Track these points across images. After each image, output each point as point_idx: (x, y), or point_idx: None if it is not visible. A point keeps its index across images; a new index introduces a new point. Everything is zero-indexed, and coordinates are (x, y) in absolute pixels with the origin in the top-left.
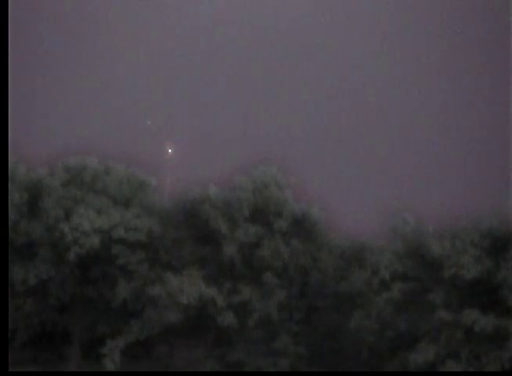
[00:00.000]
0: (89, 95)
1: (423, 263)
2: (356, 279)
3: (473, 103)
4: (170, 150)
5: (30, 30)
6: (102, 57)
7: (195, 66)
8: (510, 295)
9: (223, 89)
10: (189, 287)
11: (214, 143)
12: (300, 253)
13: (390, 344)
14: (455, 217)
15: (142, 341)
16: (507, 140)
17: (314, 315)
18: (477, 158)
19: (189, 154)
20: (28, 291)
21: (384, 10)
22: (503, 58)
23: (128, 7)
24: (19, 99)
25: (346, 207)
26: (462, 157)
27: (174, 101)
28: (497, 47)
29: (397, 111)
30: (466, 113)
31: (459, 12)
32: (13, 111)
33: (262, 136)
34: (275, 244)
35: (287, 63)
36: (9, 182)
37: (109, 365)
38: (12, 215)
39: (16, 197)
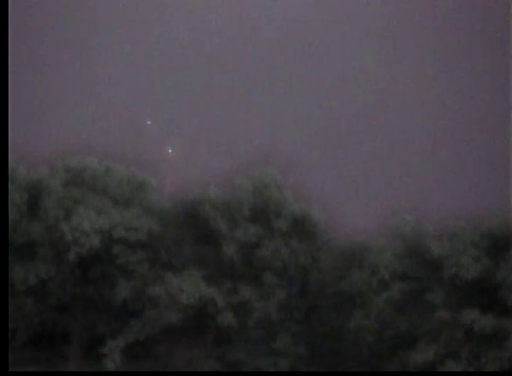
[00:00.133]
0: (89, 95)
1: (423, 263)
2: (356, 279)
3: (473, 103)
4: (170, 150)
5: (30, 30)
6: (102, 57)
7: (195, 66)
8: (510, 295)
9: (223, 89)
10: (189, 287)
11: (214, 143)
12: (300, 253)
13: (390, 344)
14: (455, 217)
15: (142, 341)
16: (507, 140)
17: (314, 315)
18: (477, 158)
19: (189, 154)
20: (28, 291)
21: (384, 10)
22: (503, 58)
23: (127, 7)
24: (19, 99)
25: (346, 208)
26: (462, 157)
27: (174, 101)
28: (497, 47)
29: (397, 111)
30: (467, 113)
31: (459, 12)
32: (13, 111)
33: (262, 136)
34: (275, 244)
35: (287, 63)
36: (9, 182)
37: (110, 365)
38: (12, 215)
39: (16, 197)
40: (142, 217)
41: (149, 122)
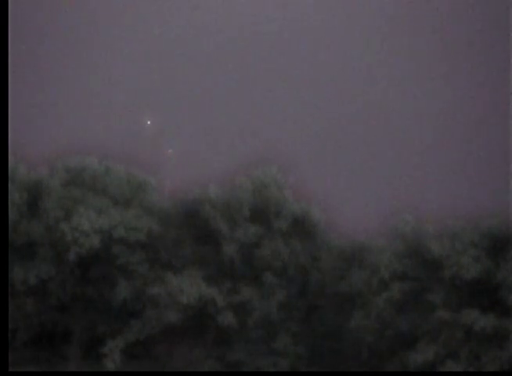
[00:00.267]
0: (89, 95)
1: (423, 263)
2: (356, 279)
3: (473, 102)
4: (170, 150)
5: (30, 30)
6: (102, 57)
7: (195, 65)
8: (510, 295)
9: (223, 89)
10: (189, 287)
11: (214, 143)
12: (300, 253)
13: (389, 344)
14: (455, 217)
15: (142, 341)
16: (507, 140)
17: (314, 315)
18: (477, 158)
19: (189, 154)
20: (28, 291)
21: (384, 11)
22: (503, 58)
23: (127, 7)
24: (19, 99)
25: (346, 207)
26: (462, 157)
27: (174, 101)
28: (497, 47)
29: (397, 111)
30: (466, 113)
31: (459, 12)
32: (13, 111)
33: (262, 136)
34: (275, 244)
35: (287, 63)
36: (9, 182)
37: (110, 365)
38: (12, 215)
39: (16, 197)
40: (142, 217)
41: (149, 122)
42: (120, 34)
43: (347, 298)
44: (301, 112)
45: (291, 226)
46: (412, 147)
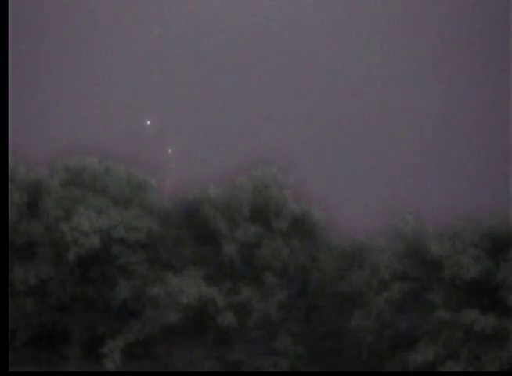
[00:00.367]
0: (89, 95)
1: (423, 263)
2: (356, 279)
3: (473, 103)
4: (170, 150)
5: (30, 30)
6: (102, 57)
7: (195, 65)
8: (510, 295)
9: (223, 89)
10: (189, 287)
11: (214, 143)
12: (300, 253)
13: (389, 344)
14: (455, 217)
15: (142, 341)
16: (507, 140)
17: (314, 315)
18: (477, 158)
19: (189, 154)
20: (28, 291)
21: (384, 11)
22: (503, 58)
23: (127, 7)
24: (19, 99)
25: (346, 207)
26: (462, 157)
27: (174, 101)
28: (497, 47)
29: (397, 111)
30: (466, 113)
31: (459, 12)
32: (13, 111)
33: (262, 136)
34: (275, 244)
35: (287, 63)
36: (9, 182)
37: (110, 365)
38: (12, 215)
39: (15, 197)
40: (142, 217)
41: (148, 122)
42: (120, 34)
43: (348, 298)
44: (301, 112)
45: (291, 226)
46: (412, 147)
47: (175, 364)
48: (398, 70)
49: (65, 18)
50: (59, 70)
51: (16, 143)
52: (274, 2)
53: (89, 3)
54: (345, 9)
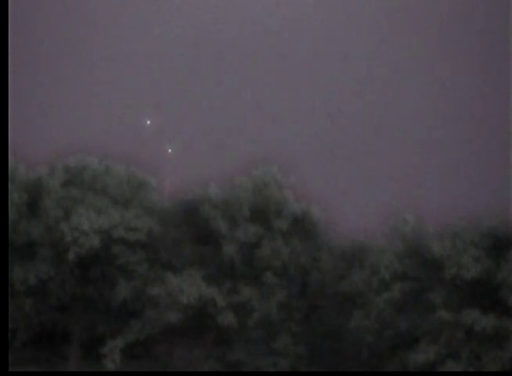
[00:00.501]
0: (89, 95)
1: (424, 263)
2: (356, 279)
3: (473, 103)
4: (170, 150)
5: (30, 30)
6: (102, 57)
7: (195, 66)
8: (510, 295)
9: (223, 89)
10: (189, 287)
11: (214, 143)
12: (300, 253)
13: (390, 344)
14: (455, 217)
15: (142, 341)
16: (507, 140)
17: (314, 315)
18: (478, 158)
19: (189, 154)
20: (28, 291)
21: (384, 11)
22: (503, 58)
23: (127, 7)
24: (19, 99)
25: (346, 207)
26: (462, 156)
27: (174, 101)
28: (497, 47)
29: (397, 111)
30: (466, 113)
31: (459, 12)
32: (13, 111)
33: (262, 136)
34: (275, 244)
35: (288, 63)
36: (9, 182)
37: (109, 365)
38: (11, 214)
39: (15, 196)
40: (142, 217)
41: (148, 122)
42: (120, 34)
43: (348, 298)
44: (301, 112)
45: (291, 226)
46: (412, 147)
47: (175, 364)
48: (398, 70)
49: (65, 18)
50: (59, 70)
51: (16, 143)
52: (274, 2)
53: (89, 3)
54: (345, 8)
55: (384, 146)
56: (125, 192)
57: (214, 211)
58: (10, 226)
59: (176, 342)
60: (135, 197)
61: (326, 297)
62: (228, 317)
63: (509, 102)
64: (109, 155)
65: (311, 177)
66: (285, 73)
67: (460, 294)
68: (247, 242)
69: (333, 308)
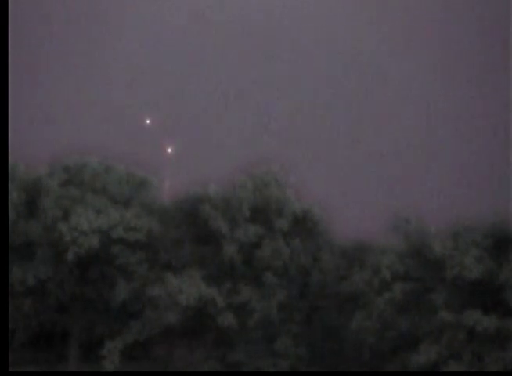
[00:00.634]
0: (89, 95)
1: (425, 263)
2: (357, 279)
3: (473, 103)
4: (170, 150)
5: (30, 30)
6: (102, 57)
7: (195, 65)
8: None
9: (223, 89)
10: (189, 287)
11: (214, 143)
12: (301, 253)
13: (391, 344)
14: (457, 217)
15: (141, 342)
16: (507, 140)
17: (315, 315)
18: (478, 158)
19: (189, 154)
20: (27, 292)
21: (384, 11)
22: (503, 58)
23: (127, 7)
24: (19, 99)
25: (347, 207)
26: (462, 156)
27: (174, 101)
28: (497, 47)
29: (397, 111)
30: (466, 113)
31: (459, 12)
32: (13, 111)
33: (263, 136)
34: (275, 244)
35: (288, 63)
36: (9, 181)
37: (109, 366)
38: (10, 214)
39: (14, 196)
40: (142, 217)
41: (148, 122)
42: (119, 34)
43: (349, 299)
44: (301, 111)
45: (292, 226)
46: (413, 147)
47: (175, 365)
48: (398, 70)
49: (65, 18)
50: (59, 71)
51: (16, 143)
52: (274, 2)
53: (89, 3)
54: (345, 9)
55: (384, 146)
56: (125, 191)
57: (214, 211)
58: (9, 226)
59: (176, 343)
60: (135, 197)
61: (326, 297)
62: (228, 318)
63: (509, 102)
64: (109, 155)
65: (313, 176)
66: (285, 73)
67: (462, 294)
68: (248, 242)
69: (333, 308)
